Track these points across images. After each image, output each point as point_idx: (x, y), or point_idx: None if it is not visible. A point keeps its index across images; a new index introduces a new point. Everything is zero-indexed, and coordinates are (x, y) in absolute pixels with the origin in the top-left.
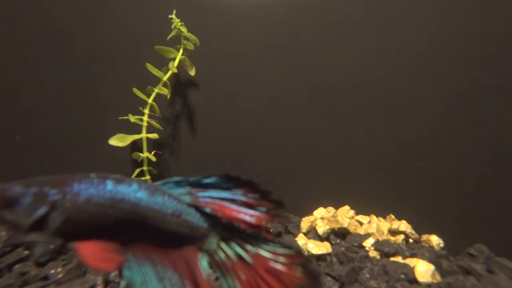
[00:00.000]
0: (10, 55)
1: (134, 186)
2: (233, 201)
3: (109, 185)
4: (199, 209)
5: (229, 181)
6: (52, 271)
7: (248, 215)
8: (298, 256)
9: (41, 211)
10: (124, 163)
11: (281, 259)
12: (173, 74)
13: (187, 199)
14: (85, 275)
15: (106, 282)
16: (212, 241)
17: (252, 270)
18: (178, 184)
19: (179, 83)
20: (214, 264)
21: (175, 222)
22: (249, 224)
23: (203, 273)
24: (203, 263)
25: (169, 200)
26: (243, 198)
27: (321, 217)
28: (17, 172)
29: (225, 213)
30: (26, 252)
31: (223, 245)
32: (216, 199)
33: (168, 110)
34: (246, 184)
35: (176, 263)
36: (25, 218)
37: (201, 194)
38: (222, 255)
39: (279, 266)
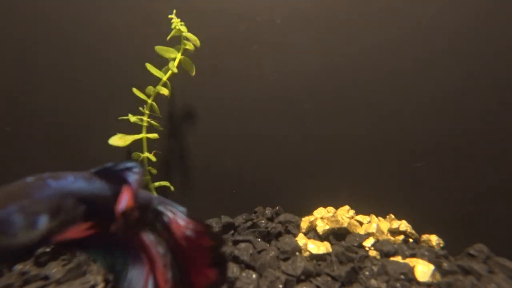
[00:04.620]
0: (10, 54)
1: (70, 177)
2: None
3: (52, 183)
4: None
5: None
6: (52, 271)
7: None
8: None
9: (42, 222)
10: None
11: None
12: (173, 74)
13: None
14: (85, 275)
15: (106, 282)
16: (152, 214)
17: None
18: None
19: (179, 83)
20: (158, 235)
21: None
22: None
23: (153, 246)
24: (149, 236)
25: (106, 184)
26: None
27: (321, 217)
28: (17, 173)
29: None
30: None
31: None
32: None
33: (168, 110)
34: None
35: (127, 240)
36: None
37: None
38: (159, 226)
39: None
